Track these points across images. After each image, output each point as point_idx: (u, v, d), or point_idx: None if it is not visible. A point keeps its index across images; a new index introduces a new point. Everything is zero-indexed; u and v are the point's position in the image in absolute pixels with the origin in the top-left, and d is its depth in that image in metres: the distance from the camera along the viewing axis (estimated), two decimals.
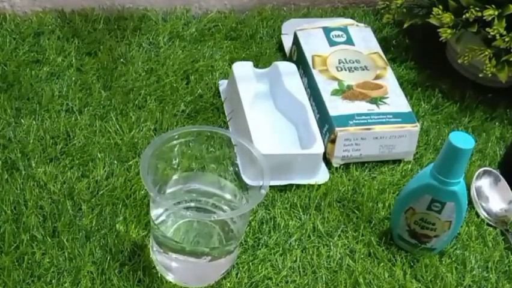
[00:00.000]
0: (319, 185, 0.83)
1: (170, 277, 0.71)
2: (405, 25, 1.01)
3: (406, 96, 0.93)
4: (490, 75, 0.94)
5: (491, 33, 0.91)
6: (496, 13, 0.91)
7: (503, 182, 0.86)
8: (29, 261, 0.70)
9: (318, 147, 0.84)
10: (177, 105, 0.91)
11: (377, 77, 0.93)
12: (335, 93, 0.90)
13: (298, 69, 0.95)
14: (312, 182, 0.84)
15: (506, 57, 0.93)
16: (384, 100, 0.90)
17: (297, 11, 1.13)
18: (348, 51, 0.97)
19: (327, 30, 0.99)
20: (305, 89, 0.92)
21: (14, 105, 0.87)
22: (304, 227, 0.79)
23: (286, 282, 0.73)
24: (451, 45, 1.03)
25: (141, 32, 1.02)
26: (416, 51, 1.07)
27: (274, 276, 0.73)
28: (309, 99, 0.91)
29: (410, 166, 0.88)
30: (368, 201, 0.82)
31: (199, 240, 0.71)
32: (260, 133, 0.83)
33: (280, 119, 0.90)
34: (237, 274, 0.73)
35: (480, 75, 0.95)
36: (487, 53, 0.93)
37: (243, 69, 0.92)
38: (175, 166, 0.72)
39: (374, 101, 0.89)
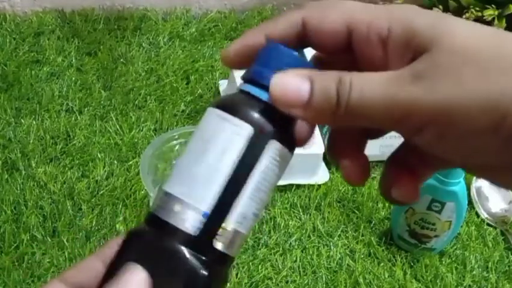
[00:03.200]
0: (319, 185, 0.83)
1: None
2: None
3: None
4: None
5: None
6: (496, 13, 0.91)
7: None
8: (29, 261, 0.70)
9: (318, 147, 0.84)
10: (177, 105, 0.91)
11: None
12: None
13: None
14: (312, 182, 0.84)
15: None
16: None
17: None
18: None
19: None
20: None
21: (14, 105, 0.87)
22: (304, 227, 0.79)
23: (286, 282, 0.73)
24: None
25: (141, 32, 1.02)
26: None
27: (274, 276, 0.73)
28: None
29: None
30: (368, 201, 0.82)
31: None
32: None
33: None
34: (237, 274, 0.73)
35: None
36: None
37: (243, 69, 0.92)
38: None
39: None
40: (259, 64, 0.36)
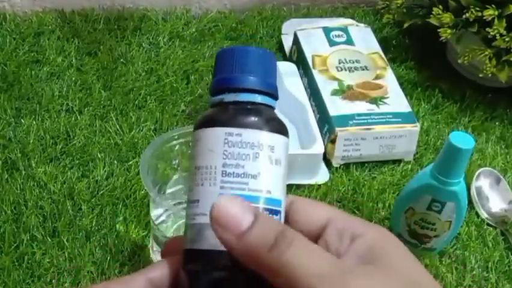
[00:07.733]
0: (319, 185, 0.83)
1: None
2: (405, 25, 1.01)
3: (406, 96, 0.92)
4: (490, 75, 0.94)
5: (491, 33, 0.91)
6: (496, 13, 0.91)
7: (503, 182, 0.86)
8: (29, 261, 0.70)
9: (318, 147, 0.84)
10: (177, 105, 0.91)
11: (377, 77, 0.93)
12: (335, 93, 0.90)
13: (298, 69, 0.95)
14: (312, 182, 0.84)
15: (506, 57, 0.93)
16: (384, 100, 0.90)
17: (297, 11, 1.13)
18: (348, 51, 0.97)
19: (327, 30, 0.99)
20: (305, 89, 0.92)
21: (14, 105, 0.87)
22: None
23: None
24: (451, 45, 1.03)
25: (141, 32, 1.02)
26: (416, 51, 1.07)
27: None
28: (309, 99, 0.91)
29: (410, 166, 0.88)
30: (368, 201, 0.82)
31: None
32: None
33: None
34: None
35: (480, 75, 0.95)
36: (487, 53, 0.93)
37: None
38: (175, 166, 0.72)
39: (374, 101, 0.89)
40: (235, 71, 0.37)
